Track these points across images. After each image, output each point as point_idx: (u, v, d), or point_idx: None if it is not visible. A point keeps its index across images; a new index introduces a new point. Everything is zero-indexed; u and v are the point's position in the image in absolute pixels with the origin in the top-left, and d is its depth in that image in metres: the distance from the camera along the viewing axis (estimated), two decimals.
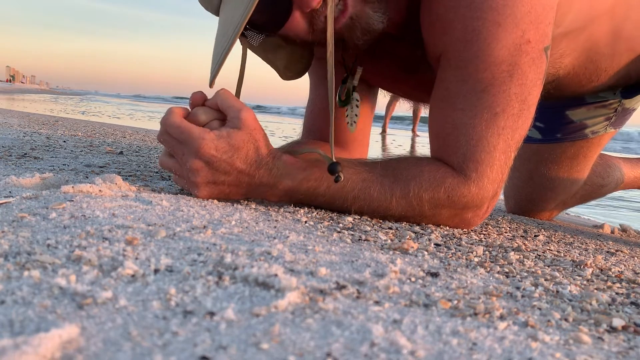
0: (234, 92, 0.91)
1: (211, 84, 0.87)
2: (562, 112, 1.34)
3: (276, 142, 1.08)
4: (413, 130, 8.21)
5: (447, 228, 0.90)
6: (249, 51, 0.97)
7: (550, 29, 0.87)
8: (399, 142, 6.13)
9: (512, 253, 0.77)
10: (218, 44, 0.85)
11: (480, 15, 0.82)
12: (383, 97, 1.23)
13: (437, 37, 0.88)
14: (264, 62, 1.03)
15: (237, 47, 0.93)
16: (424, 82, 1.00)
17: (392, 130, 8.67)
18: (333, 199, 0.87)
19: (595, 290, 0.62)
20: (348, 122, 1.08)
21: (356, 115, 1.07)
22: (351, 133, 1.14)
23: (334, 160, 0.83)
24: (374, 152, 4.21)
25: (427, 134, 0.96)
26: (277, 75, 1.04)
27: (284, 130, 6.46)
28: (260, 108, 19.89)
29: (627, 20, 1.08)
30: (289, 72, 1.01)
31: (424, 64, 0.95)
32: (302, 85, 1.27)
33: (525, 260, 0.74)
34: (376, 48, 1.01)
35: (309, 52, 1.01)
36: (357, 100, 1.06)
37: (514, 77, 0.84)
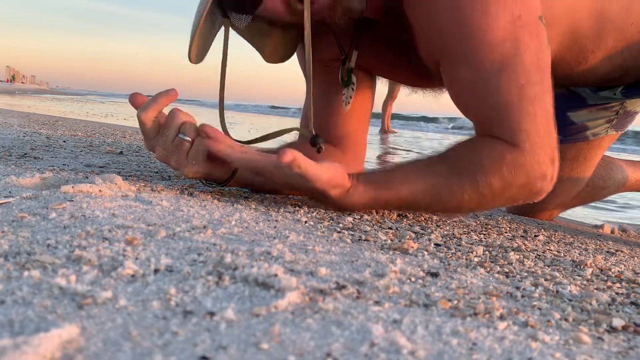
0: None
1: (190, 59, 0.91)
2: (564, 114, 1.34)
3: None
4: (386, 129, 7.43)
5: (447, 228, 0.90)
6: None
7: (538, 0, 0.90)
8: (400, 142, 6.13)
9: (512, 253, 0.77)
10: (195, 19, 0.89)
11: (465, 13, 0.85)
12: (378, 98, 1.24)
13: (431, 44, 0.92)
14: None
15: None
16: (422, 67, 1.01)
17: (395, 129, 8.61)
18: (407, 210, 0.95)
19: (595, 290, 0.62)
20: (343, 102, 1.11)
21: (351, 96, 1.11)
22: (347, 132, 1.15)
23: (314, 133, 0.93)
24: (373, 151, 4.21)
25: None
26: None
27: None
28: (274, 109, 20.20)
29: (613, 2, 1.08)
30: (272, 57, 1.06)
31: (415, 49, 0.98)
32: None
33: (525, 260, 0.74)
34: (367, 32, 1.03)
35: (294, 38, 1.05)
36: (353, 83, 1.10)
37: (520, 49, 0.87)
